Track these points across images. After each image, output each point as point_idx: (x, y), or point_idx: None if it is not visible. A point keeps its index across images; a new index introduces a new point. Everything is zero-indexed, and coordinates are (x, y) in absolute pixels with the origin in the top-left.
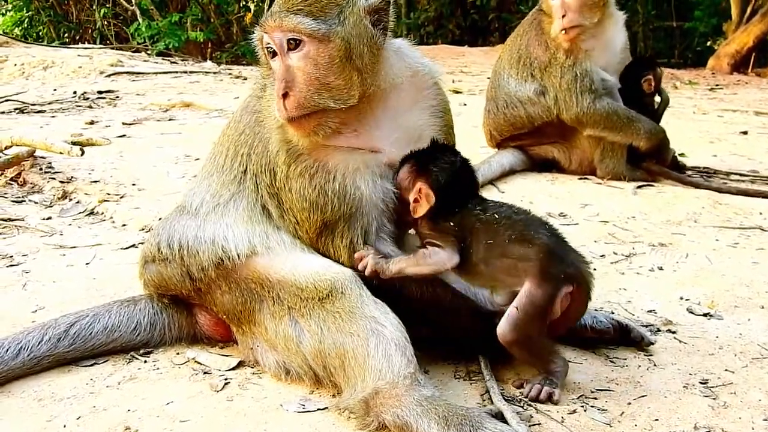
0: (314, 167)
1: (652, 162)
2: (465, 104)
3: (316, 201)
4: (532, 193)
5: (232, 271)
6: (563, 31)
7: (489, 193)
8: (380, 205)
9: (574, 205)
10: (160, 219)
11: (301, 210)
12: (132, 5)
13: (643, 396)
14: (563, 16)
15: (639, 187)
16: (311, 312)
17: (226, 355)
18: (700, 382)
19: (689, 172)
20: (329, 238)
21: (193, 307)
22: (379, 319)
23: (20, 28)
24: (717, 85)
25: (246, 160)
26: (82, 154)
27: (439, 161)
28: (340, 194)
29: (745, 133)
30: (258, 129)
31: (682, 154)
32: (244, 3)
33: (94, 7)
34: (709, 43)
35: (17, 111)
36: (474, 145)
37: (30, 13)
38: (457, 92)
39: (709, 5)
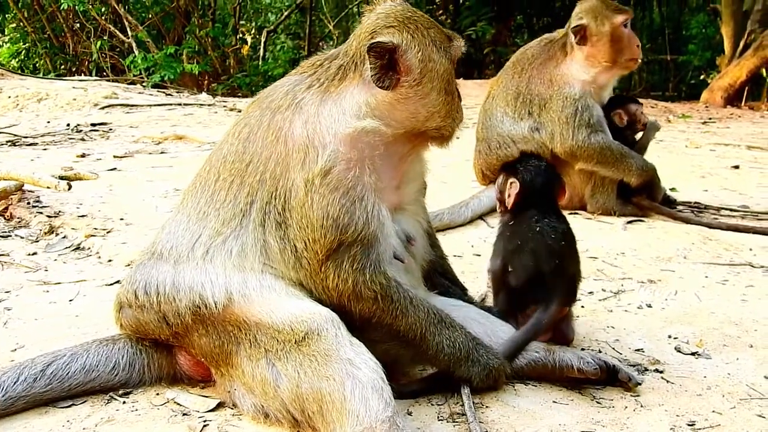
0: (352, 180)
1: (643, 197)
2: (457, 137)
3: (339, 218)
4: None
5: (209, 317)
6: (640, 59)
7: (478, 228)
8: (393, 235)
9: None
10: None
11: (319, 228)
12: (128, 38)
13: None
14: (638, 46)
15: (629, 222)
16: (288, 355)
17: (206, 396)
18: (687, 424)
19: (680, 207)
20: (336, 263)
21: (173, 347)
22: (354, 362)
23: (17, 59)
24: (710, 118)
25: (256, 188)
26: (69, 189)
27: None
28: (367, 217)
29: (736, 167)
30: (272, 150)
31: (673, 189)
32: (240, 36)
33: (91, 39)
34: (702, 77)
35: (9, 144)
36: (466, 178)
37: (27, 45)
38: None
39: (702, 39)
